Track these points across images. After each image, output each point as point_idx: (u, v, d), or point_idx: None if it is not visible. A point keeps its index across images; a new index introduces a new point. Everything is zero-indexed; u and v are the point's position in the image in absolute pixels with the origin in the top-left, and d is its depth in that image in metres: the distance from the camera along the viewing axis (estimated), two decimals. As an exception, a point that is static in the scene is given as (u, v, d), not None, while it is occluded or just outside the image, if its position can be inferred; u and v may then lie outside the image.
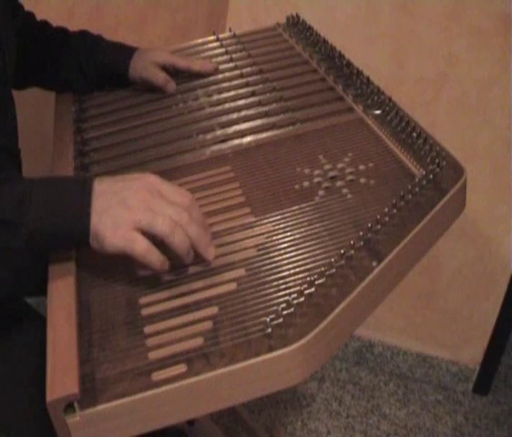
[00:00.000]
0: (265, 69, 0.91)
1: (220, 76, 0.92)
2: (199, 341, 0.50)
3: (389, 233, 0.58)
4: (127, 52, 0.90)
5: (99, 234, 0.53)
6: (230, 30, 1.05)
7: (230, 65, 0.94)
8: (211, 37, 1.04)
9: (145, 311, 0.54)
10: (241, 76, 0.91)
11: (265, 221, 0.62)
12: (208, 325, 0.51)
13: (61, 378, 0.46)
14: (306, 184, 0.67)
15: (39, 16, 0.93)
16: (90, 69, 0.90)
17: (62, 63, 0.89)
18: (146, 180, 0.55)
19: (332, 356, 1.51)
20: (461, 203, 0.67)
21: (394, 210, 0.60)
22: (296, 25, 1.04)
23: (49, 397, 0.45)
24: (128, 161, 0.75)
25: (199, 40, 1.04)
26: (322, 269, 0.54)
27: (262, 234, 0.61)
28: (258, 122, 0.79)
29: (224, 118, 0.81)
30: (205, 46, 1.02)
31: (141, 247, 0.52)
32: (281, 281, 0.55)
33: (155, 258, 0.53)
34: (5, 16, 0.74)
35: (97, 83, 0.92)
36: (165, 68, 0.90)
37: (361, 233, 0.58)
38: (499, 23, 1.10)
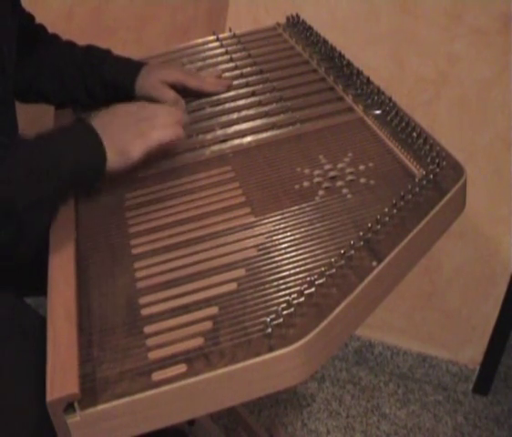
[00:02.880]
0: (265, 69, 0.91)
1: (220, 76, 0.92)
2: (199, 341, 0.50)
3: (389, 233, 0.58)
4: (133, 68, 0.86)
5: (124, 151, 0.65)
6: (230, 30, 1.05)
7: (230, 65, 0.94)
8: (211, 37, 1.04)
9: (145, 311, 0.54)
10: (241, 76, 0.91)
11: (265, 221, 0.62)
12: (208, 325, 0.51)
13: (61, 378, 0.46)
14: (306, 184, 0.67)
15: (40, 17, 0.93)
16: (95, 86, 0.86)
17: (67, 81, 0.87)
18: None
19: (332, 356, 1.52)
20: (461, 203, 0.67)
21: (394, 210, 0.60)
22: (296, 25, 1.04)
23: (49, 397, 0.45)
24: (128, 161, 0.75)
25: (199, 40, 1.04)
26: (323, 269, 0.54)
27: (262, 234, 0.61)
28: (258, 122, 0.79)
29: (224, 118, 0.81)
30: (205, 46, 1.02)
31: (157, 133, 0.67)
32: (281, 281, 0.55)
33: (173, 130, 0.69)
34: (5, 10, 0.74)
35: (102, 100, 0.87)
36: (174, 86, 0.85)
37: (361, 233, 0.58)
38: (499, 23, 1.10)
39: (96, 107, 0.88)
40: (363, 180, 0.67)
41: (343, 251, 0.55)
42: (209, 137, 0.78)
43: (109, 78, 0.86)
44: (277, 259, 0.57)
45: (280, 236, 0.60)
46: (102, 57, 0.87)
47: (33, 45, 0.87)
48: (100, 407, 0.46)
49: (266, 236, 0.60)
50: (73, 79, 0.87)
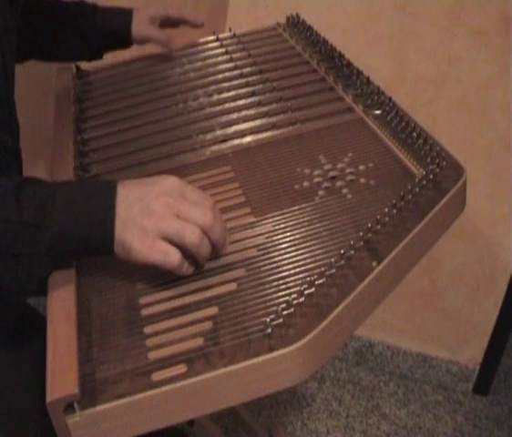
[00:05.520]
0: (265, 69, 0.91)
1: (220, 76, 0.92)
2: (199, 341, 0.50)
3: (389, 233, 0.58)
4: (126, 14, 0.93)
5: (126, 243, 0.52)
6: (230, 30, 1.05)
7: (230, 65, 0.94)
8: (211, 37, 1.04)
9: (145, 311, 0.54)
10: (241, 76, 0.91)
11: (265, 221, 0.62)
12: (208, 325, 0.51)
13: (61, 378, 0.46)
14: (306, 184, 0.67)
15: (39, 16, 0.93)
16: (92, 36, 0.92)
17: (62, 33, 0.91)
18: (167, 183, 0.55)
19: (332, 356, 1.52)
20: (461, 203, 0.67)
21: (394, 210, 0.60)
22: (296, 25, 1.04)
23: (49, 397, 0.45)
24: (128, 161, 0.75)
25: (199, 40, 1.04)
26: (322, 269, 0.54)
27: (262, 234, 0.61)
28: (258, 122, 0.79)
29: (224, 118, 0.81)
30: (205, 46, 1.02)
31: (175, 260, 0.52)
32: (281, 281, 0.55)
33: (185, 269, 0.54)
34: (5, 11, 0.74)
35: (97, 49, 0.95)
36: (162, 24, 0.95)
37: (361, 233, 0.58)
38: (499, 23, 1.10)
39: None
40: (363, 180, 0.67)
41: (342, 251, 0.55)
42: (209, 137, 0.78)
43: (106, 25, 0.93)
44: (277, 259, 0.57)
45: (279, 236, 0.60)
46: (93, 9, 0.93)
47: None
48: (100, 407, 0.46)
49: (266, 236, 0.60)
50: (70, 32, 0.92)
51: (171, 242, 0.52)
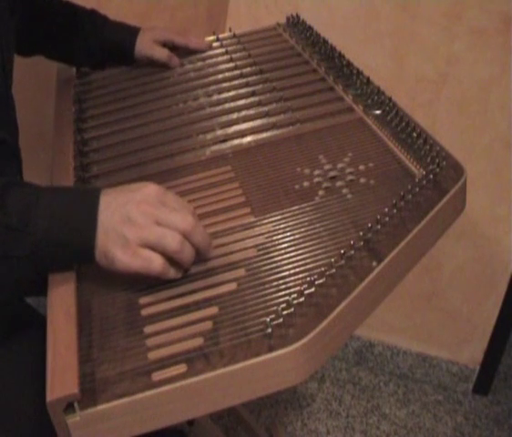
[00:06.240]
0: (265, 69, 0.91)
1: (220, 76, 0.92)
2: (199, 341, 0.50)
3: (389, 233, 0.58)
4: (132, 32, 0.96)
5: (108, 252, 0.52)
6: (230, 30, 1.05)
7: (230, 65, 0.94)
8: (211, 37, 1.04)
9: (145, 311, 0.54)
10: (241, 76, 0.91)
11: (265, 221, 0.62)
12: (208, 325, 0.51)
13: (61, 378, 0.46)
14: (306, 184, 0.67)
15: (39, 16, 0.93)
16: (96, 47, 0.94)
17: (70, 37, 0.93)
18: (147, 191, 0.55)
19: (332, 356, 1.52)
20: (461, 203, 0.67)
21: (394, 210, 0.60)
22: (296, 25, 1.05)
23: (49, 397, 0.45)
24: (128, 161, 0.75)
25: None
26: (322, 269, 0.54)
27: (262, 234, 0.61)
28: (258, 122, 0.79)
29: (224, 118, 0.81)
30: (205, 46, 1.02)
31: (158, 265, 0.52)
32: (281, 281, 0.55)
33: (171, 274, 0.54)
34: (4, 12, 0.74)
35: (100, 61, 0.97)
36: (165, 45, 0.97)
37: (361, 233, 0.58)
38: (499, 23, 1.10)
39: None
40: (363, 180, 0.67)
41: (342, 251, 0.55)
42: (209, 137, 0.78)
43: (111, 39, 0.95)
44: (277, 258, 0.57)
45: (279, 236, 0.60)
46: (103, 21, 0.96)
47: (34, 3, 0.91)
48: (100, 407, 0.46)
49: (266, 236, 0.60)
50: (76, 38, 0.94)
51: (153, 250, 0.53)
